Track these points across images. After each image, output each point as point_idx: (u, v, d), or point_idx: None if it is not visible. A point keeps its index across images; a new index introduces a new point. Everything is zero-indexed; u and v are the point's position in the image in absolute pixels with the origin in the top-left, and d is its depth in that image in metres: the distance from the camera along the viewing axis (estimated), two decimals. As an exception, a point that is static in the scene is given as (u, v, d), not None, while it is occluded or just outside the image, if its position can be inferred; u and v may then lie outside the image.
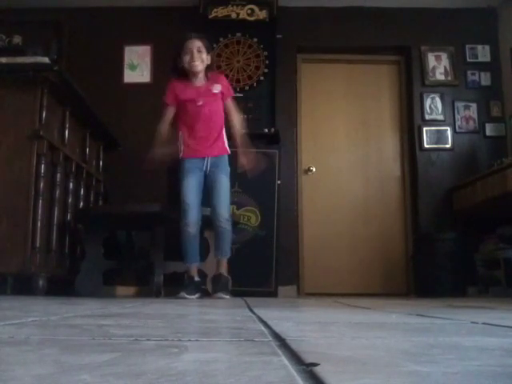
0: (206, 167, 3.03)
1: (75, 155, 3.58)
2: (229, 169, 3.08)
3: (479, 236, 4.21)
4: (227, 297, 2.89)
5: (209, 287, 3.50)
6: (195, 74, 3.07)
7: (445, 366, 0.59)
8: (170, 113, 3.11)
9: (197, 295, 2.92)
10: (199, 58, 3.03)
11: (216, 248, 3.04)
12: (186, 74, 3.10)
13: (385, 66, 4.99)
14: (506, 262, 3.79)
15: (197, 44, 3.03)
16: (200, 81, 3.10)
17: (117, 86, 4.64)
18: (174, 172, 3.25)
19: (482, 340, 0.90)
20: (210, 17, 4.48)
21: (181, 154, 3.06)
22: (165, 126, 3.11)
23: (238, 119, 3.22)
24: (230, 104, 3.18)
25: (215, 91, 3.09)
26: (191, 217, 2.92)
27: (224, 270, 3.00)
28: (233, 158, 3.10)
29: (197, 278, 3.00)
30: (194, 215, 2.93)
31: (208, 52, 3.10)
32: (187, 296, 2.85)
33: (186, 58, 3.03)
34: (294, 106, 4.73)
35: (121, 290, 4.19)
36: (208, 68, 3.11)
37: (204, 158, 3.04)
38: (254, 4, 4.48)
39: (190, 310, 1.85)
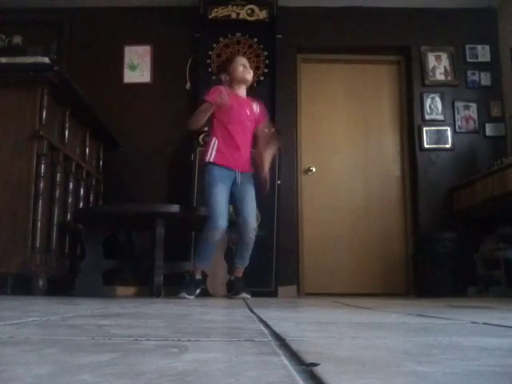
0: (237, 180, 3.10)
1: (75, 155, 3.58)
2: (253, 181, 3.21)
3: (479, 236, 4.20)
4: (249, 296, 3.05)
5: (210, 288, 3.53)
6: (244, 84, 3.22)
7: (445, 365, 0.59)
8: (207, 109, 3.06)
9: (197, 292, 3.05)
10: (250, 71, 3.26)
11: (240, 256, 3.13)
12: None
13: (385, 66, 4.99)
14: (506, 262, 3.78)
15: (246, 60, 3.29)
16: (243, 94, 3.24)
17: (117, 86, 4.63)
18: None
19: (482, 340, 0.90)
20: (209, 17, 4.47)
21: (211, 159, 3.05)
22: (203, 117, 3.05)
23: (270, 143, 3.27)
24: (262, 130, 3.28)
25: (255, 109, 3.25)
26: (221, 225, 2.96)
27: (241, 274, 3.16)
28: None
29: (198, 277, 3.09)
30: (223, 224, 2.97)
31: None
32: (187, 296, 2.96)
33: (239, 68, 3.19)
34: (294, 105, 4.72)
35: (121, 290, 4.19)
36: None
37: (234, 171, 3.08)
38: (253, 4, 4.48)
39: (190, 310, 1.85)
